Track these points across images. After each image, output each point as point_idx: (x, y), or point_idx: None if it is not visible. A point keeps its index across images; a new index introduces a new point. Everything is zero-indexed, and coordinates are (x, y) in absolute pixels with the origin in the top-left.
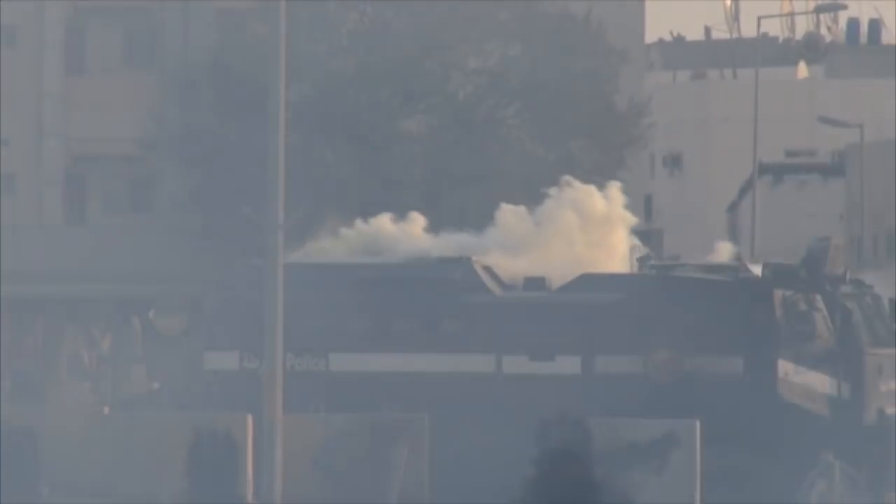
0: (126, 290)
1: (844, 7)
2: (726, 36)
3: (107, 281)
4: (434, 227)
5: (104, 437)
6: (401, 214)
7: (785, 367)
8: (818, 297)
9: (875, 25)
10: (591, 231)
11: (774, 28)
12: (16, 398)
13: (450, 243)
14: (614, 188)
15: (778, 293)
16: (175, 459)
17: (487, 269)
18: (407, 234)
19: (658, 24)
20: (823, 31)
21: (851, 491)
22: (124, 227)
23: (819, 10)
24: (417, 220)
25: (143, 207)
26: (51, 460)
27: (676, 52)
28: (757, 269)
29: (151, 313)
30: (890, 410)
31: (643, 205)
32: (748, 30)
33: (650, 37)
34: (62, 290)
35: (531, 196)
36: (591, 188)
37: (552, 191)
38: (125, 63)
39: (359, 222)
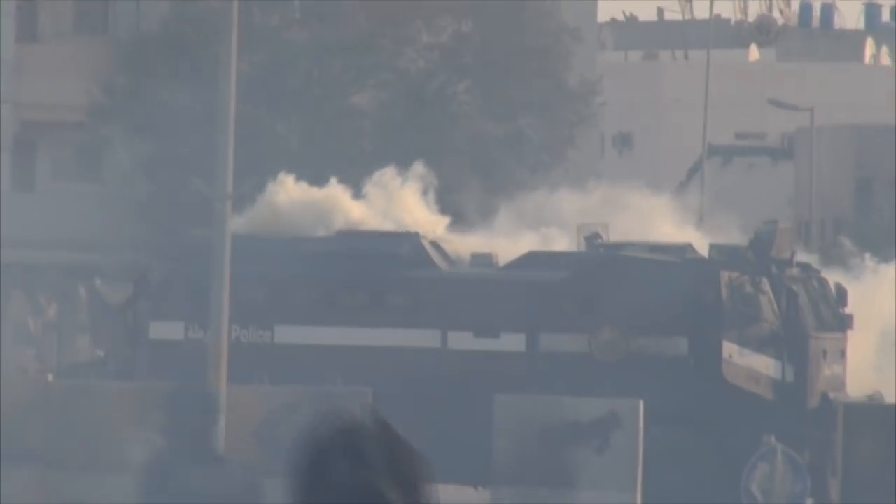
0: (73, 258)
1: None
2: (679, 17)
3: (53, 248)
4: None
5: (47, 404)
6: (350, 188)
7: (729, 348)
8: (764, 279)
9: (828, 10)
10: None
11: (727, 10)
12: None
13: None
14: None
15: (724, 275)
16: (118, 428)
17: (435, 244)
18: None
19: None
20: (776, 14)
21: (793, 474)
22: (72, 194)
23: None
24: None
25: (92, 175)
26: (7, 422)
27: (629, 32)
28: (704, 251)
29: (98, 282)
30: (834, 394)
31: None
32: (701, 11)
33: (603, 16)
34: (8, 256)
35: (479, 171)
36: None
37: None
38: (76, 31)
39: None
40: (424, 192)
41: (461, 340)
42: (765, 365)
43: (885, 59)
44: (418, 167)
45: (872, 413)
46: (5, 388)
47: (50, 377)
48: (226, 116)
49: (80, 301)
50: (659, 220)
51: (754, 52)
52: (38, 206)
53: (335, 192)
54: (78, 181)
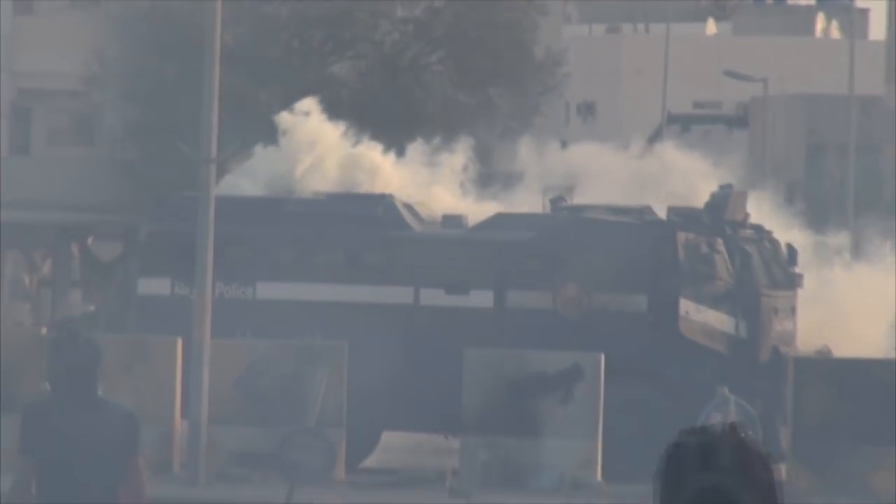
0: (66, 218)
1: None
2: None
3: (48, 209)
4: None
5: (40, 355)
6: None
7: (686, 305)
8: (719, 240)
9: None
10: None
11: None
12: None
13: None
14: None
15: (681, 235)
16: (105, 377)
17: (408, 206)
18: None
19: None
20: None
21: (746, 423)
22: (66, 158)
23: None
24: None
25: (85, 140)
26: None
27: (593, 7)
28: (662, 213)
29: (90, 240)
30: (784, 349)
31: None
32: None
33: None
34: (4, 217)
35: (451, 138)
36: None
37: None
38: (70, 4)
39: None
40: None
41: (432, 297)
42: (719, 321)
43: (836, 33)
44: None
45: (820, 366)
46: (13, 343)
47: (43, 330)
48: (210, 84)
49: (73, 259)
50: (619, 184)
51: (711, 26)
52: (34, 170)
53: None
54: (71, 146)
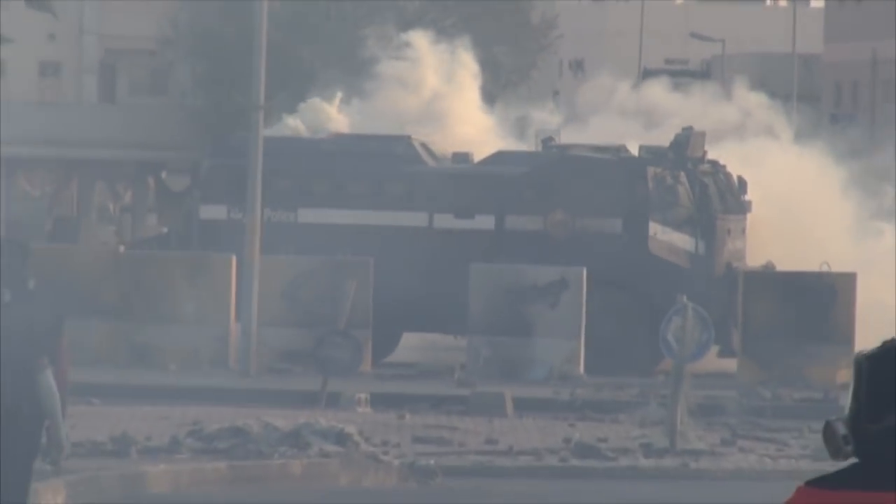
0: (144, 156)
1: None
2: None
3: (129, 148)
4: None
5: (118, 270)
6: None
7: (654, 227)
8: (682, 173)
9: None
10: None
11: None
12: (55, 238)
13: None
14: None
15: (650, 169)
16: (174, 288)
17: (423, 144)
18: None
19: None
20: None
21: (700, 326)
22: (145, 106)
23: None
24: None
25: (160, 91)
26: (78, 286)
27: None
28: (635, 150)
29: (163, 174)
30: (736, 264)
31: (551, 98)
32: None
33: None
34: (94, 154)
35: None
36: None
37: None
38: None
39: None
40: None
41: (444, 221)
42: (682, 240)
43: (783, 1)
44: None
45: (766, 278)
46: (87, 258)
47: (121, 248)
48: (259, 43)
49: (149, 189)
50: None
51: None
52: (118, 116)
53: None
54: (149, 96)
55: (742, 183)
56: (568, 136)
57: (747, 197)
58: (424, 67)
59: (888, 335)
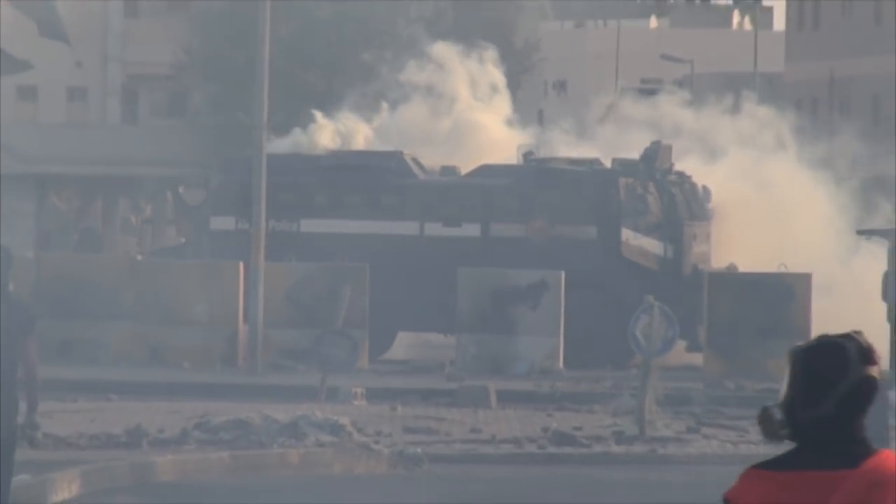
0: (163, 172)
1: None
2: None
3: (150, 165)
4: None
5: (137, 276)
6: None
7: (626, 234)
8: (651, 183)
9: None
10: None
11: None
12: (81, 248)
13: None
14: None
15: (622, 180)
16: (187, 293)
17: (414, 159)
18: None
19: None
20: None
21: (667, 323)
22: (164, 126)
23: None
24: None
25: (178, 112)
26: (100, 291)
27: (564, 6)
28: (608, 163)
29: (180, 189)
30: (701, 266)
31: (536, 117)
32: None
33: None
34: (117, 171)
35: None
36: None
37: None
38: (167, 10)
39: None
40: None
41: (434, 229)
42: (652, 245)
43: (748, 26)
44: None
45: (729, 279)
46: (108, 266)
47: (139, 256)
48: (261, 68)
49: (168, 203)
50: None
51: (654, 22)
52: (140, 136)
53: None
54: (168, 117)
55: (706, 192)
56: (569, 152)
57: (711, 205)
58: (454, 78)
59: (840, 329)
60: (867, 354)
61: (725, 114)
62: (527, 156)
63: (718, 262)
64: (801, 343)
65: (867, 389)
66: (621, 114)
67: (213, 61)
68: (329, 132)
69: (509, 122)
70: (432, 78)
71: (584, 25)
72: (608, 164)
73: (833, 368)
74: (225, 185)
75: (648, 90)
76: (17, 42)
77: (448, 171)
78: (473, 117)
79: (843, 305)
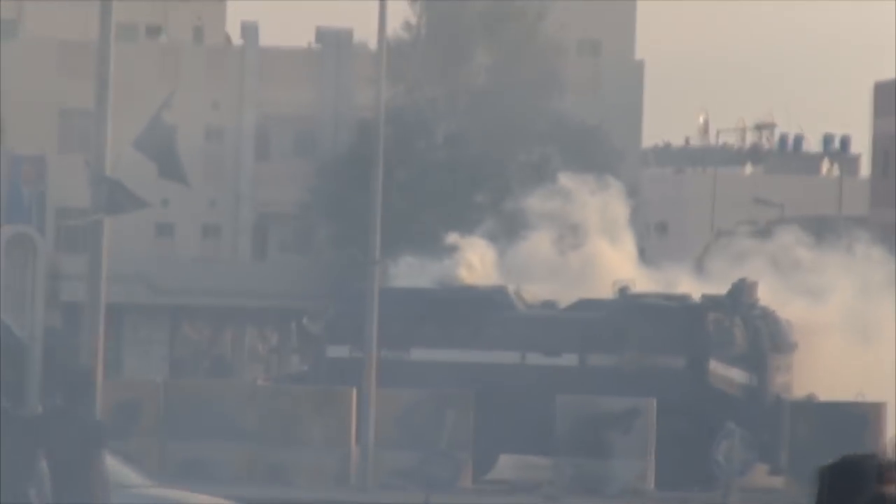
0: (289, 304)
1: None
2: (700, 144)
3: (277, 297)
4: None
5: (258, 400)
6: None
7: (714, 365)
8: (738, 318)
9: (798, 139)
10: None
11: (731, 138)
12: (213, 374)
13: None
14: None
15: (710, 315)
16: (304, 418)
17: (517, 293)
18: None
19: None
20: (764, 142)
21: (746, 448)
22: (291, 262)
23: (759, 126)
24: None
25: (304, 249)
26: (224, 414)
27: (665, 154)
28: (697, 298)
29: (305, 319)
30: (783, 395)
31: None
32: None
33: (647, 142)
34: (246, 303)
35: None
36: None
37: None
38: (294, 154)
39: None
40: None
41: (534, 358)
42: (738, 375)
43: (836, 172)
44: None
45: (807, 407)
46: (233, 391)
47: (259, 381)
48: (374, 206)
49: (293, 332)
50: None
51: (748, 168)
52: (270, 270)
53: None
54: (294, 253)
55: (789, 325)
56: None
57: (793, 338)
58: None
59: None
60: (884, 473)
61: (838, 251)
62: (623, 290)
63: (800, 390)
64: (829, 462)
65: None
66: (735, 250)
67: (335, 202)
68: (463, 262)
69: (634, 259)
70: (560, 208)
71: (683, 171)
72: (698, 298)
73: (850, 484)
74: (341, 316)
75: (760, 230)
76: (144, 181)
77: (548, 304)
78: (603, 253)
79: None
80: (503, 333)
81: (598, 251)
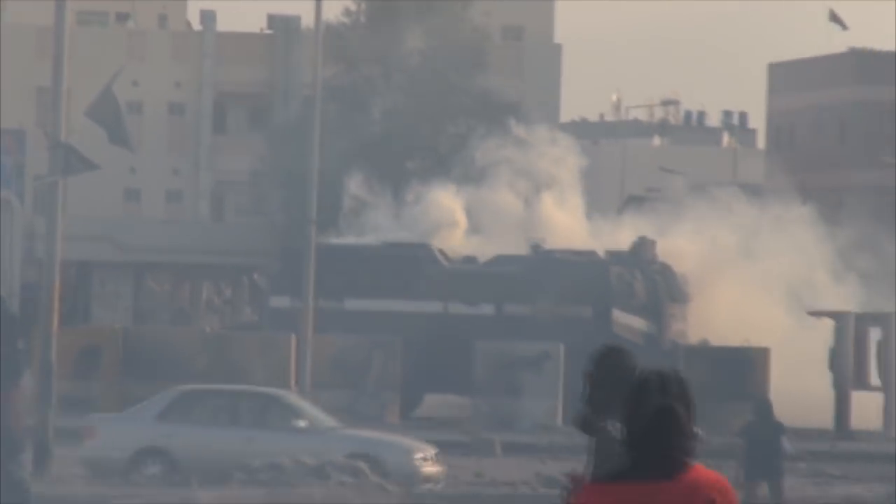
0: (242, 261)
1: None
2: (613, 119)
3: (231, 255)
4: None
5: (208, 346)
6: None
7: (617, 314)
8: (638, 271)
9: (701, 114)
10: None
11: (642, 115)
12: (173, 324)
13: None
14: None
15: (614, 269)
16: (249, 362)
17: (440, 250)
18: None
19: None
20: (670, 117)
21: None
22: (245, 224)
23: (665, 103)
24: None
25: (257, 212)
26: (181, 356)
27: (582, 128)
28: (601, 254)
29: (256, 275)
30: (679, 342)
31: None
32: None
33: (564, 118)
34: (206, 260)
35: None
36: None
37: None
38: (248, 128)
39: None
40: None
41: (456, 308)
42: (638, 323)
43: (735, 144)
44: None
45: (701, 351)
46: (187, 337)
47: (208, 328)
48: (311, 175)
49: (245, 287)
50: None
51: (657, 140)
52: (224, 231)
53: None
54: (249, 215)
55: (684, 278)
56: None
57: (688, 290)
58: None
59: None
60: (666, 386)
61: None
62: (535, 247)
63: (694, 336)
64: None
65: (666, 416)
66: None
67: (284, 170)
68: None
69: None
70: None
71: (597, 143)
72: (602, 254)
73: (640, 397)
74: (282, 271)
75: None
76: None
77: (469, 259)
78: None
79: (797, 373)
80: (428, 286)
81: (547, 206)
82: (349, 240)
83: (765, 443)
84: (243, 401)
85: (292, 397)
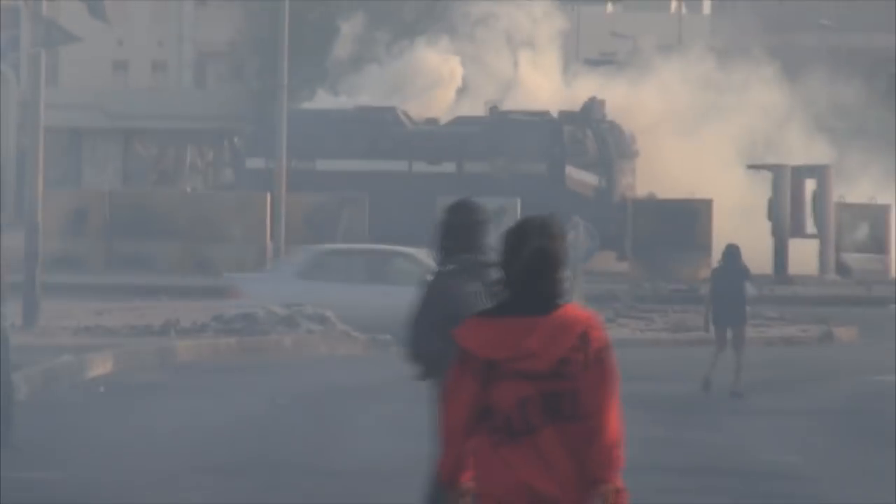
0: (223, 126)
1: None
2: None
3: (213, 121)
4: None
5: (189, 205)
6: None
7: (570, 170)
8: (589, 130)
9: None
10: None
11: None
12: (158, 185)
13: None
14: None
15: (566, 128)
16: (227, 219)
17: (405, 112)
18: None
19: None
20: None
21: (589, 237)
22: (225, 90)
23: None
24: None
25: (237, 77)
26: (164, 215)
27: None
28: (555, 114)
29: (235, 139)
30: (628, 195)
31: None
32: None
33: None
34: (188, 126)
35: None
36: None
37: None
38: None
39: None
40: None
41: (420, 167)
42: (590, 179)
43: (684, 9)
44: None
45: (648, 204)
46: (170, 197)
47: (189, 189)
48: (282, 42)
49: (225, 150)
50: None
51: (609, 6)
52: (206, 98)
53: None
54: (230, 81)
55: (632, 135)
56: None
57: (636, 147)
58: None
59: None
60: (546, 229)
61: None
62: (492, 109)
63: (642, 190)
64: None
65: (544, 256)
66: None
67: (260, 40)
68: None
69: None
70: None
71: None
72: (555, 114)
73: (521, 238)
74: (256, 133)
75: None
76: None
77: (431, 121)
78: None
79: (738, 223)
80: (393, 146)
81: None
82: (320, 104)
83: (732, 288)
84: (377, 258)
85: (422, 254)
